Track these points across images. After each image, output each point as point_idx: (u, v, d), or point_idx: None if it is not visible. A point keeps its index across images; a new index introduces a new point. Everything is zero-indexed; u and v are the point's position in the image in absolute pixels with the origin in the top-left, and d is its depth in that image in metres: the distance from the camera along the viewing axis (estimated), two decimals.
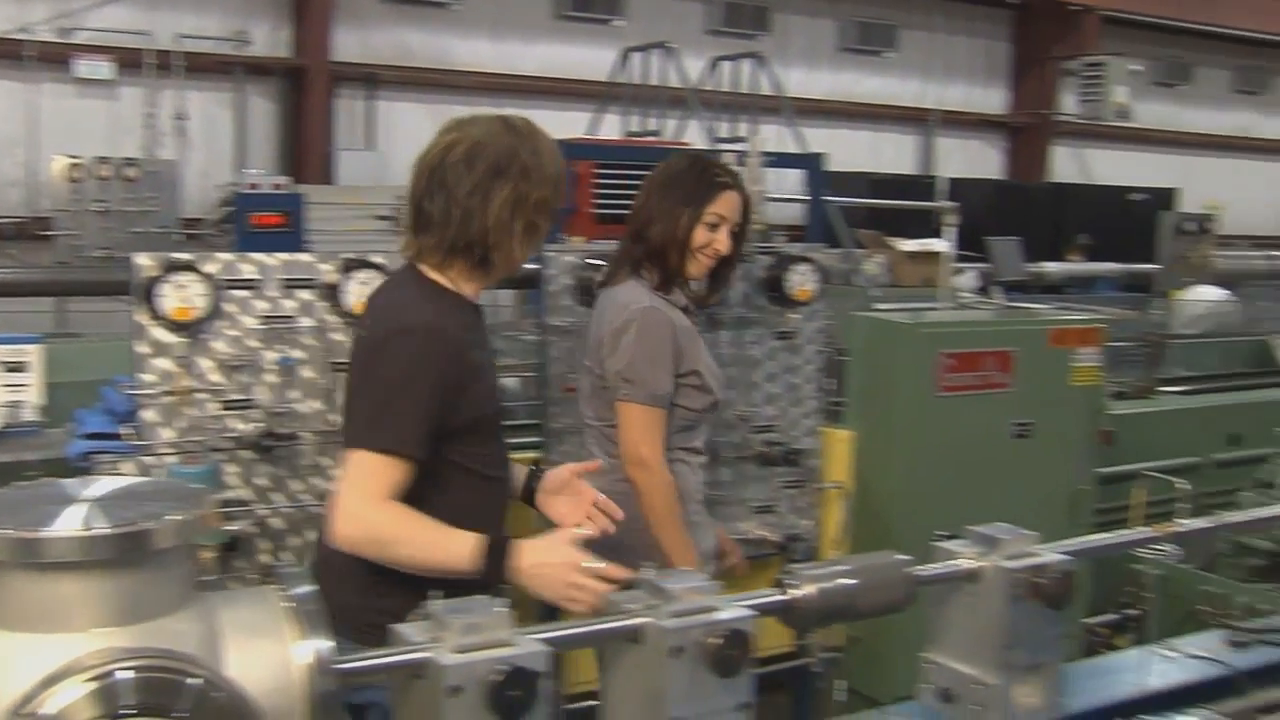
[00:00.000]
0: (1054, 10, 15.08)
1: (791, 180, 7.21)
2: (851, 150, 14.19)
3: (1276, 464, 6.04)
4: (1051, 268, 11.45)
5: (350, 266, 3.57)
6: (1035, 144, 15.75)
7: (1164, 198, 14.63)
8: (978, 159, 15.87)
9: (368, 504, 2.43)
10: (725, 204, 3.30)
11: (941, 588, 2.30)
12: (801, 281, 4.07)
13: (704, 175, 3.33)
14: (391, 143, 12.33)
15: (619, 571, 2.39)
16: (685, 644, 1.84)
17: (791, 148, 9.70)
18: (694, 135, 9.80)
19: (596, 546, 2.76)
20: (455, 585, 2.27)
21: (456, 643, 1.71)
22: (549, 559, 2.44)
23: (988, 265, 10.23)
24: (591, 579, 2.40)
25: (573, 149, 7.53)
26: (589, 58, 12.15)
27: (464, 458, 2.60)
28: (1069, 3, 14.88)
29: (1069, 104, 15.64)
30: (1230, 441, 6.22)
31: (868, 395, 4.30)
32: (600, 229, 7.19)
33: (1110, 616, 5.04)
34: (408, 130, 12.40)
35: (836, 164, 13.70)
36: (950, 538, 2.36)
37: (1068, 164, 16.52)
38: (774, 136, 10.23)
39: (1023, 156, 15.81)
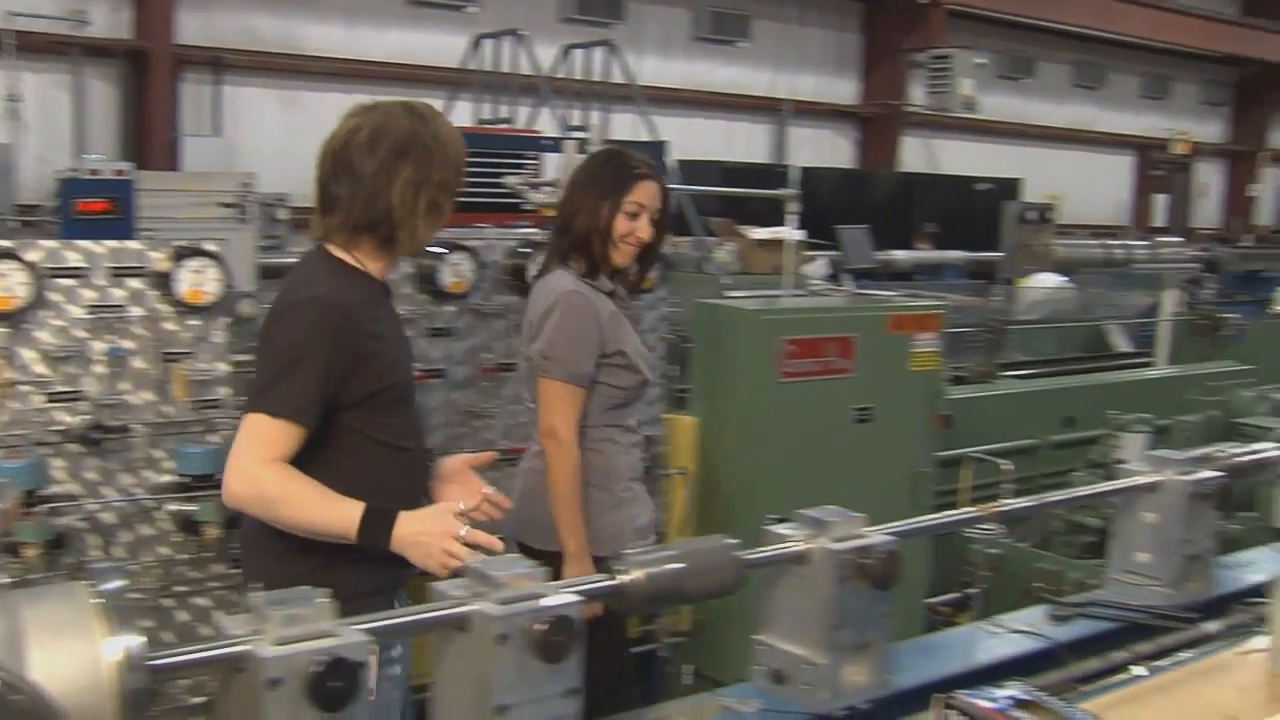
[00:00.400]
0: (902, 3, 15.38)
1: None
2: (705, 139, 14.30)
3: (1107, 444, 6.26)
4: (900, 255, 11.67)
5: (182, 254, 3.49)
6: (885, 134, 16.05)
7: (1008, 187, 15.03)
8: (829, 148, 16.11)
9: (259, 464, 2.52)
10: (643, 193, 3.43)
11: (772, 570, 2.34)
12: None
13: (621, 168, 3.47)
14: (239, 129, 12.05)
15: (496, 542, 2.50)
16: (511, 631, 1.84)
17: (645, 136, 9.74)
18: (546, 123, 9.78)
19: (528, 520, 3.05)
20: (360, 552, 2.51)
21: (277, 635, 1.69)
22: (428, 528, 2.52)
23: (837, 253, 10.38)
24: (467, 549, 2.47)
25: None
26: (442, 44, 12.02)
27: (370, 427, 2.67)
28: None
29: (918, 95, 15.95)
30: (1065, 424, 6.42)
31: (711, 382, 4.34)
32: (451, 217, 7.12)
33: (952, 595, 5.17)
34: (256, 116, 12.16)
35: (690, 153, 13.80)
36: (781, 521, 2.40)
37: (916, 154, 16.86)
38: (628, 125, 10.28)
39: (873, 146, 16.10)
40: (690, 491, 4.27)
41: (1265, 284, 13.25)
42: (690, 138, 14.20)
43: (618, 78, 10.27)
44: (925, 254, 12.35)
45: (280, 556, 2.60)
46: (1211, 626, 2.94)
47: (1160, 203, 20.62)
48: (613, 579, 2.05)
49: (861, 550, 2.25)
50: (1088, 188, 18.68)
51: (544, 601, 1.88)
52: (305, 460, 2.57)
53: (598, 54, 10.33)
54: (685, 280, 8.56)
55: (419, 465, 2.83)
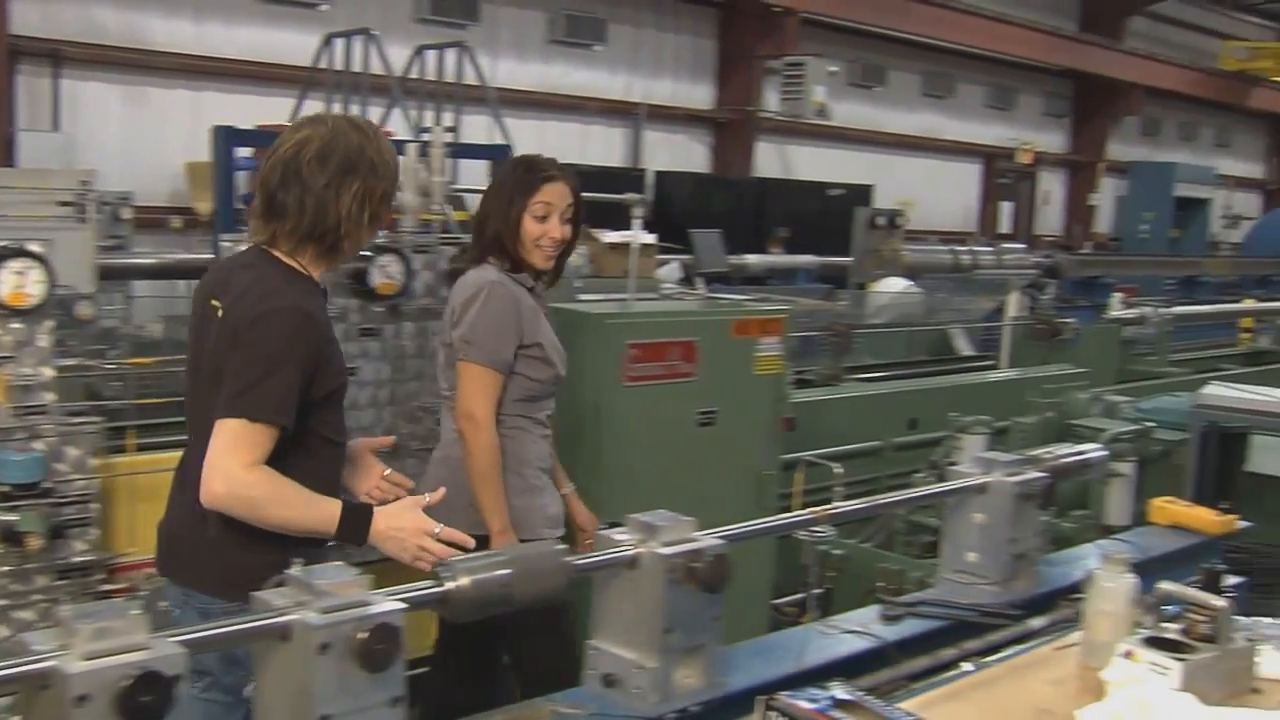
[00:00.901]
0: (757, 10, 15.52)
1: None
2: (561, 142, 14.27)
3: (949, 446, 6.41)
4: (752, 259, 11.82)
5: (4, 255, 3.37)
6: (740, 139, 16.19)
7: (860, 193, 15.29)
8: (684, 153, 16.20)
9: (242, 468, 2.66)
10: (550, 193, 3.57)
11: (604, 575, 2.35)
12: None
13: (529, 172, 3.62)
14: (79, 125, 11.66)
15: (464, 537, 2.73)
16: (333, 640, 1.82)
17: (499, 139, 9.72)
18: (398, 124, 9.69)
19: (444, 505, 3.02)
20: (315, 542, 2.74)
21: (85, 649, 1.64)
22: (403, 524, 2.76)
23: (691, 257, 10.46)
24: (441, 546, 2.71)
25: (255, 137, 7.31)
26: (294, 42, 11.78)
27: (321, 425, 2.86)
28: (772, 4, 15.34)
29: (772, 102, 16.14)
30: (910, 426, 6.55)
31: None
32: None
33: (798, 596, 5.23)
34: (98, 112, 11.78)
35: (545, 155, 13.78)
36: (613, 526, 2.40)
37: (771, 159, 17.06)
38: (483, 127, 10.23)
39: (728, 151, 16.23)
40: None
41: (1103, 289, 13.72)
42: (545, 141, 14.17)
43: (472, 79, 10.22)
44: (777, 258, 12.51)
45: (246, 545, 2.73)
46: (1037, 622, 3.03)
47: (1006, 210, 21.28)
48: (440, 586, 2.04)
49: (691, 554, 2.27)
50: (937, 194, 19.12)
51: (368, 609, 1.86)
52: (271, 458, 2.72)
53: (452, 55, 10.26)
54: None
55: (345, 458, 3.02)
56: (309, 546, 2.67)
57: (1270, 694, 2.34)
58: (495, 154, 5.23)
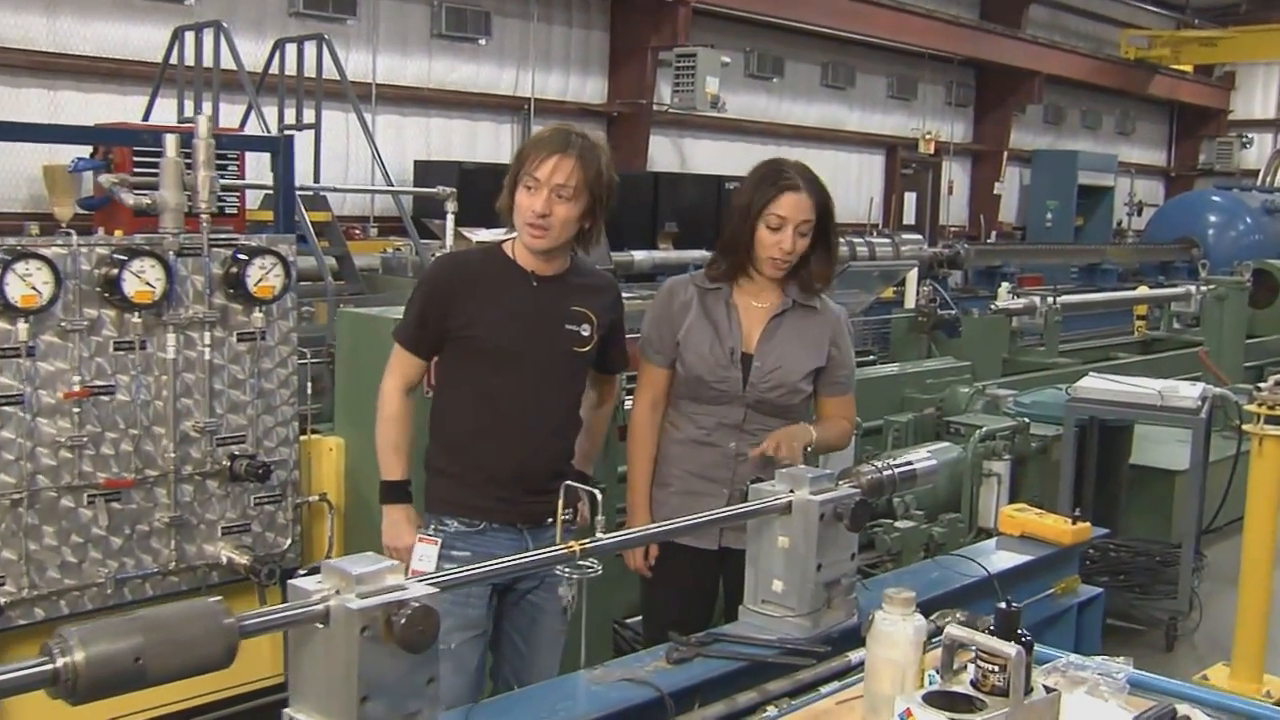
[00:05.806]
0: (648, 2, 15.18)
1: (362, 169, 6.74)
2: (447, 138, 13.86)
3: None
4: (639, 256, 11.46)
5: None
6: (634, 133, 15.78)
7: None
8: None
9: (390, 384, 3.32)
10: (786, 205, 3.46)
11: (295, 633, 1.98)
12: (262, 277, 3.65)
13: (766, 178, 3.53)
14: None
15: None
16: None
17: (377, 134, 9.34)
18: (257, 121, 9.24)
19: None
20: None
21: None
22: (393, 530, 3.33)
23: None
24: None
25: (108, 134, 6.88)
26: (157, 37, 11.18)
27: (462, 364, 3.27)
28: None
29: (666, 94, 15.81)
30: None
31: (354, 397, 3.93)
32: (139, 222, 6.61)
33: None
34: None
35: (431, 152, 13.35)
36: (314, 572, 2.04)
37: (667, 153, 16.70)
38: (356, 123, 9.81)
39: (621, 145, 15.79)
40: (333, 519, 3.86)
41: (1007, 279, 13.60)
42: (431, 137, 13.72)
43: (353, 75, 9.80)
44: (666, 253, 12.17)
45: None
46: (856, 655, 2.71)
47: (910, 200, 21.10)
48: (48, 664, 1.65)
49: (392, 605, 1.91)
50: (840, 186, 18.84)
51: None
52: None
53: (321, 49, 9.80)
54: (405, 285, 8.15)
55: (503, 419, 3.28)
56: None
57: None
58: (271, 147, 4.72)
